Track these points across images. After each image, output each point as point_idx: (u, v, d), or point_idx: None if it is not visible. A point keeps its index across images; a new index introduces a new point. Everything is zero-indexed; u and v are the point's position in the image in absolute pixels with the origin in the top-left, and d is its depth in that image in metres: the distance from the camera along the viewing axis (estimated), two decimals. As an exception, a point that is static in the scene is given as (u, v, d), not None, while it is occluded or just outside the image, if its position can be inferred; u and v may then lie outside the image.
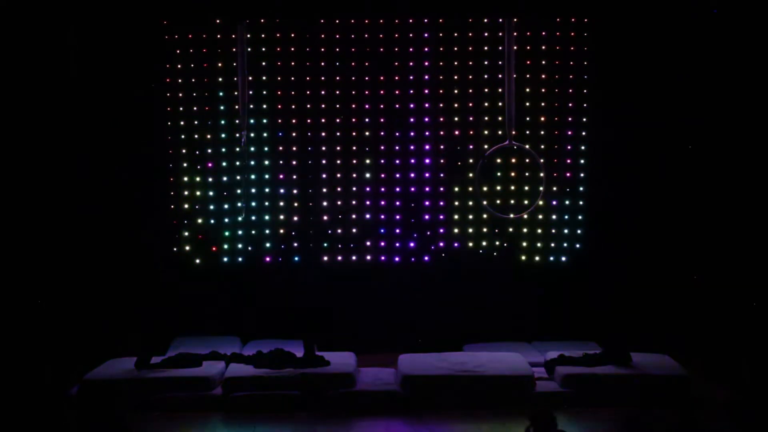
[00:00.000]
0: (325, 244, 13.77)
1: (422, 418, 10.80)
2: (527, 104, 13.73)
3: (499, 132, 13.60)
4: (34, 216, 13.05)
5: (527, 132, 13.69)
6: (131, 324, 13.11)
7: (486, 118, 13.84)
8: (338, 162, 13.88)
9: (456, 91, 13.87)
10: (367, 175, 13.88)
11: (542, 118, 13.81)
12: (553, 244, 13.84)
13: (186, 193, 13.78)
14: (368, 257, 13.87)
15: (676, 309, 13.37)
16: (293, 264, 13.75)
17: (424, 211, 13.92)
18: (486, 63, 13.80)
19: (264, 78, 13.78)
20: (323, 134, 13.86)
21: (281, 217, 13.82)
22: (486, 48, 13.80)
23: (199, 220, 13.76)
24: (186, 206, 13.77)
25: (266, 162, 13.84)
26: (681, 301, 13.38)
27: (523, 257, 13.83)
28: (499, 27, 13.62)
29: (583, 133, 13.84)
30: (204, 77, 13.76)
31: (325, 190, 13.85)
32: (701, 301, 13.25)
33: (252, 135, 13.63)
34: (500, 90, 13.59)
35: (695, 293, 13.37)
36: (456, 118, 13.88)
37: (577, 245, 13.83)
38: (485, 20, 13.77)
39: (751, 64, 12.97)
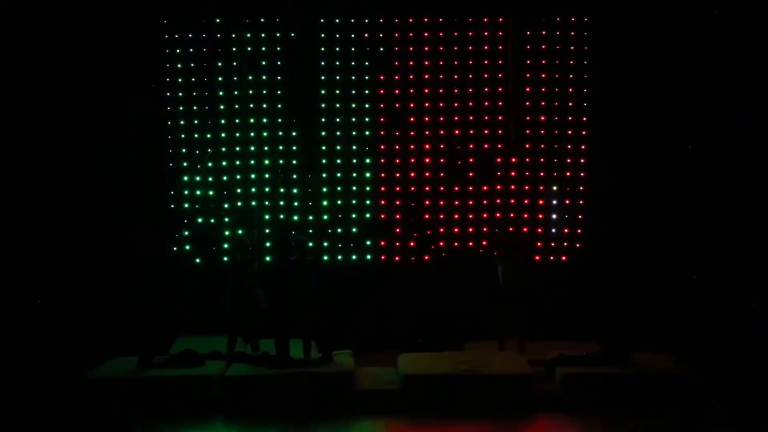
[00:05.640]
0: (326, 244, 13.79)
1: (423, 417, 10.80)
2: (527, 104, 13.75)
3: (499, 131, 13.64)
4: (35, 216, 13.07)
5: (527, 131, 13.72)
6: (133, 323, 13.12)
7: (486, 118, 13.86)
8: (338, 162, 13.89)
9: (456, 91, 13.88)
10: (367, 175, 13.90)
11: (542, 118, 13.83)
12: (553, 244, 13.85)
13: (186, 192, 13.80)
14: (368, 257, 13.88)
15: (676, 309, 13.36)
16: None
17: (424, 211, 13.94)
18: (486, 63, 13.82)
19: (264, 78, 13.80)
20: (324, 134, 13.88)
21: (281, 216, 13.83)
22: (486, 48, 13.82)
23: (199, 220, 13.79)
24: (186, 206, 13.79)
25: (266, 162, 13.86)
26: (681, 301, 13.37)
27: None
28: (499, 26, 13.68)
29: (583, 133, 13.85)
30: (204, 77, 13.78)
31: (325, 190, 13.87)
32: (701, 301, 13.24)
33: (252, 135, 13.66)
34: (500, 90, 13.65)
35: (695, 293, 13.35)
36: (456, 118, 13.89)
37: (577, 245, 13.84)
38: (485, 20, 13.79)
39: (751, 63, 12.98)
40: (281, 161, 13.82)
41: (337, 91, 13.87)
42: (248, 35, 13.43)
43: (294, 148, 13.87)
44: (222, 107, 13.80)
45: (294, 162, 13.86)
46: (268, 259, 13.57)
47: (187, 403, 11.09)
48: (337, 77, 13.85)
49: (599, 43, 13.66)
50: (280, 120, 13.85)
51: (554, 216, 13.83)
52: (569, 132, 13.86)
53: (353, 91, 13.88)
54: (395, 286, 13.80)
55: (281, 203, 13.84)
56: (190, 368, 11.51)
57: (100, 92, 13.42)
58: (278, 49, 13.79)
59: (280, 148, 13.84)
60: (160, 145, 13.75)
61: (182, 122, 13.82)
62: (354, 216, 13.90)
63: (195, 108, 13.82)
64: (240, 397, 11.14)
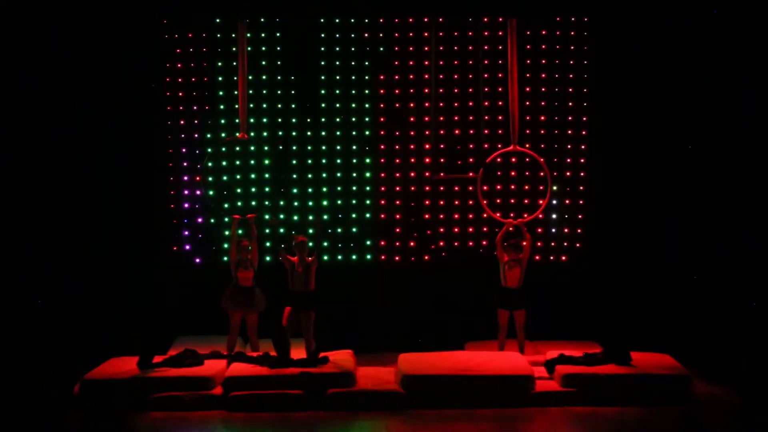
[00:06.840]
0: (325, 244, 13.79)
1: (423, 417, 10.79)
2: (527, 104, 13.75)
3: (500, 131, 13.65)
4: (35, 216, 13.06)
5: (527, 132, 13.72)
6: (132, 323, 13.12)
7: (486, 118, 13.86)
8: (338, 162, 13.90)
9: (456, 91, 13.88)
10: (367, 175, 13.90)
11: (542, 118, 13.83)
12: (553, 244, 13.85)
13: (186, 193, 13.81)
14: (368, 257, 13.89)
15: (676, 309, 13.36)
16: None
17: (424, 211, 13.94)
18: (486, 62, 13.82)
19: (264, 78, 13.81)
20: (323, 134, 13.88)
21: (282, 216, 13.84)
22: (486, 47, 13.83)
23: (199, 220, 13.80)
24: (186, 206, 13.80)
25: (266, 162, 13.86)
26: (681, 301, 13.37)
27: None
28: (499, 26, 13.69)
29: (583, 133, 13.85)
30: (204, 77, 13.79)
31: (325, 190, 13.87)
32: (701, 301, 13.24)
33: (252, 134, 13.66)
34: (500, 90, 13.66)
35: (695, 293, 13.35)
36: (456, 118, 13.89)
37: (577, 245, 13.84)
38: (485, 20, 13.80)
39: (751, 63, 12.97)
40: (280, 159, 13.84)
41: (337, 91, 13.88)
42: (248, 34, 13.40)
43: (294, 147, 13.88)
44: (222, 107, 13.81)
45: (294, 162, 13.86)
46: (268, 259, 13.58)
47: (188, 403, 11.08)
48: (337, 77, 13.87)
49: (599, 43, 13.66)
50: (279, 120, 13.86)
51: (554, 216, 13.84)
52: (569, 132, 13.86)
53: (353, 91, 13.90)
54: (395, 286, 13.80)
55: (281, 203, 13.86)
56: (191, 368, 11.51)
57: (100, 92, 13.42)
58: (278, 49, 13.82)
59: (280, 147, 13.85)
60: (160, 144, 13.75)
61: (182, 122, 13.83)
62: (354, 216, 13.91)
63: (195, 108, 13.83)
64: (240, 397, 11.13)
